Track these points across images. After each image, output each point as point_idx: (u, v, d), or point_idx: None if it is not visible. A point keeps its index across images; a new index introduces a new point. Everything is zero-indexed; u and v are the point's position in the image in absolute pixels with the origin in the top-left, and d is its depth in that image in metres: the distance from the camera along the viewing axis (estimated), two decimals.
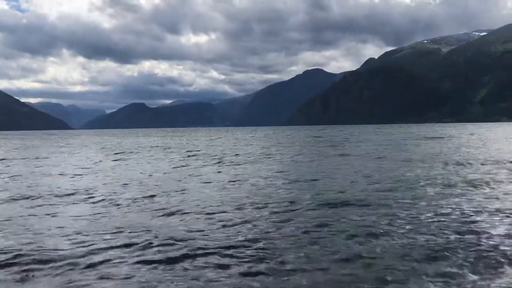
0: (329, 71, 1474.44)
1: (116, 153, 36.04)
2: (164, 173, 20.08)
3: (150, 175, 19.25)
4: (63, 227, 9.25)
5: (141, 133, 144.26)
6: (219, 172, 20.18)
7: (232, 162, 25.46)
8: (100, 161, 28.81)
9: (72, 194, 14.03)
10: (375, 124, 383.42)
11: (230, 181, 16.50)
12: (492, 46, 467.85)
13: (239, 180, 16.83)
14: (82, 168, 23.42)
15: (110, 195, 13.69)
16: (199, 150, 38.08)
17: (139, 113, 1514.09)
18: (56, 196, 13.75)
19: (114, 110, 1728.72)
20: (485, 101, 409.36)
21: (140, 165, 24.45)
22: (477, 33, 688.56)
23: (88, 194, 13.93)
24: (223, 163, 24.51)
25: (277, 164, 23.84)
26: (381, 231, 8.34)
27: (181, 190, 14.30)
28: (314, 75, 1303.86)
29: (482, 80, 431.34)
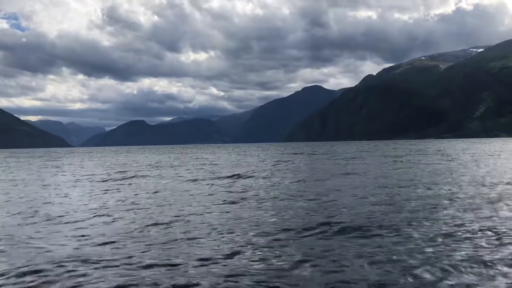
0: (328, 88, 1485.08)
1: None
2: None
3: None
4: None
5: (150, 150, 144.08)
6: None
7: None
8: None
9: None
10: (375, 140, 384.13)
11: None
12: (490, 62, 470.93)
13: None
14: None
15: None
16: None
17: (138, 130, 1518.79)
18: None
19: (114, 127, 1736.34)
20: (483, 117, 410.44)
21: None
22: (474, 50, 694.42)
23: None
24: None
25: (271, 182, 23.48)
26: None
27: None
28: (313, 92, 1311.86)
29: (481, 96, 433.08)
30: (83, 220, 12.98)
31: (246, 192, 18.85)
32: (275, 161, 46.55)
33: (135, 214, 13.97)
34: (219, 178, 26.19)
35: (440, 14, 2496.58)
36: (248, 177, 26.12)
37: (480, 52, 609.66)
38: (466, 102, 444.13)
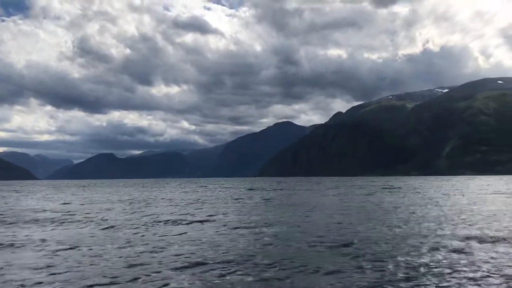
0: (299, 124, 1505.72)
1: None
2: None
3: None
4: None
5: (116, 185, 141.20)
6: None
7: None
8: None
9: None
10: (346, 176, 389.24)
11: None
12: (455, 103, 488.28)
13: None
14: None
15: None
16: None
17: (108, 163, 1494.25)
18: None
19: (82, 160, 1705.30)
20: (450, 155, 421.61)
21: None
22: (440, 90, 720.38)
23: None
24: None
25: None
26: None
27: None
28: (284, 128, 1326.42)
29: (447, 135, 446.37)
30: None
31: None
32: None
33: None
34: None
35: (408, 54, 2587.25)
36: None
37: (446, 92, 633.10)
38: (433, 141, 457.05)
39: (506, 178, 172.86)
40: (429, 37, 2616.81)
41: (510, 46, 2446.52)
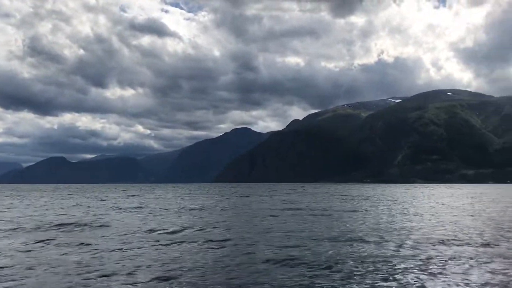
0: (256, 130, 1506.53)
1: None
2: None
3: None
4: None
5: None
6: None
7: None
8: None
9: None
10: (302, 182, 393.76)
11: None
12: (407, 113, 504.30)
13: None
14: None
15: None
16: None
17: (58, 167, 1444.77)
18: None
19: (32, 163, 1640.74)
20: (401, 164, 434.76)
21: None
22: (393, 100, 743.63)
23: None
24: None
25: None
26: None
27: None
28: (242, 134, 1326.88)
29: (399, 144, 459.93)
30: None
31: None
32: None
33: None
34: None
35: (363, 64, 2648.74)
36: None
37: (398, 102, 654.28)
38: (386, 149, 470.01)
39: (446, 186, 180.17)
40: (384, 48, 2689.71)
41: (459, 59, 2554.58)
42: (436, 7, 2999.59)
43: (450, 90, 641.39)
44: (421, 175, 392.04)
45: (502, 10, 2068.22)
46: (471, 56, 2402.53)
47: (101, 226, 23.76)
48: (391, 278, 11.47)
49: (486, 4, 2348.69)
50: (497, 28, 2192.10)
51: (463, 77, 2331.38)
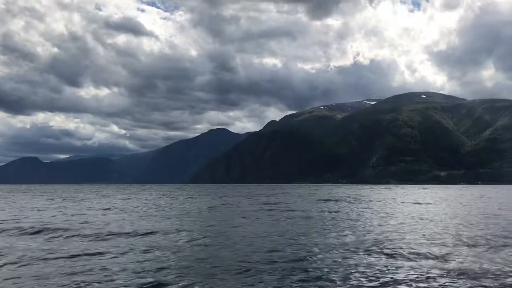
0: (233, 131, 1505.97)
1: None
2: None
3: None
4: None
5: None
6: None
7: None
8: None
9: None
10: (278, 183, 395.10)
11: None
12: (382, 115, 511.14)
13: None
14: None
15: None
16: None
17: (31, 167, 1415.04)
18: None
19: (3, 163, 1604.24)
20: (376, 165, 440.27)
21: None
22: (368, 102, 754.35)
23: None
24: None
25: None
26: None
27: None
28: (219, 134, 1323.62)
29: (374, 145, 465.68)
30: None
31: None
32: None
33: None
34: None
35: (339, 66, 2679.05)
36: None
37: (373, 104, 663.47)
38: (361, 150, 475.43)
39: (416, 187, 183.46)
40: (359, 51, 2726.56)
41: (433, 62, 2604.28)
42: (411, 11, 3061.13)
43: (424, 93, 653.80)
44: (395, 176, 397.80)
45: (475, 15, 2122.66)
46: (444, 60, 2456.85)
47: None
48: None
49: (459, 9, 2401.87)
50: (469, 32, 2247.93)
51: (436, 80, 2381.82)
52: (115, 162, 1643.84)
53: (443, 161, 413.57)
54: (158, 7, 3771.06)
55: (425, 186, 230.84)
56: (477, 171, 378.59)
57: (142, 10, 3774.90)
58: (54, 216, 30.35)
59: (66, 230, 21.30)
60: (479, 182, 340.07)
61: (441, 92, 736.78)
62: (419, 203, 46.47)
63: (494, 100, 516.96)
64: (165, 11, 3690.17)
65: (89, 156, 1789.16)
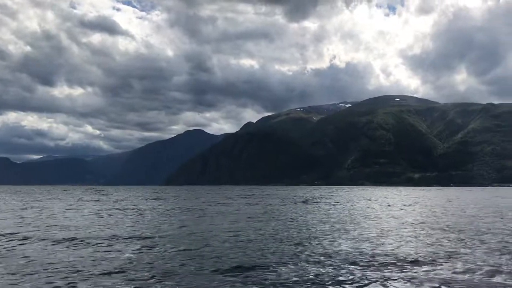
0: (210, 132, 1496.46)
1: None
2: None
3: None
4: None
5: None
6: None
7: None
8: None
9: None
10: (254, 185, 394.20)
11: None
12: (357, 117, 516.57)
13: None
14: None
15: None
16: None
17: (2, 168, 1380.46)
18: None
19: None
20: (351, 167, 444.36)
21: None
22: (343, 104, 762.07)
23: None
24: None
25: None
26: None
27: None
28: (195, 136, 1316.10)
29: (349, 147, 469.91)
30: None
31: None
32: None
33: None
34: None
35: (316, 69, 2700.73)
36: None
37: (349, 107, 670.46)
38: (336, 152, 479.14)
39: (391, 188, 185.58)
40: (336, 53, 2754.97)
41: (407, 66, 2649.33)
42: (387, 15, 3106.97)
43: (398, 96, 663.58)
44: (370, 178, 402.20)
45: (448, 20, 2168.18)
46: (418, 63, 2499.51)
47: None
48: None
49: (433, 13, 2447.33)
50: (443, 37, 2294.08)
51: (410, 84, 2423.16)
52: (89, 163, 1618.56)
53: (417, 163, 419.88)
54: (134, 6, 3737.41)
55: (399, 187, 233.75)
56: (449, 173, 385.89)
57: (118, 9, 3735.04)
58: None
59: None
60: (452, 184, 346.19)
61: (415, 95, 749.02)
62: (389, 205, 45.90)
63: (466, 104, 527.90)
64: (141, 10, 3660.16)
65: (62, 157, 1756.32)
